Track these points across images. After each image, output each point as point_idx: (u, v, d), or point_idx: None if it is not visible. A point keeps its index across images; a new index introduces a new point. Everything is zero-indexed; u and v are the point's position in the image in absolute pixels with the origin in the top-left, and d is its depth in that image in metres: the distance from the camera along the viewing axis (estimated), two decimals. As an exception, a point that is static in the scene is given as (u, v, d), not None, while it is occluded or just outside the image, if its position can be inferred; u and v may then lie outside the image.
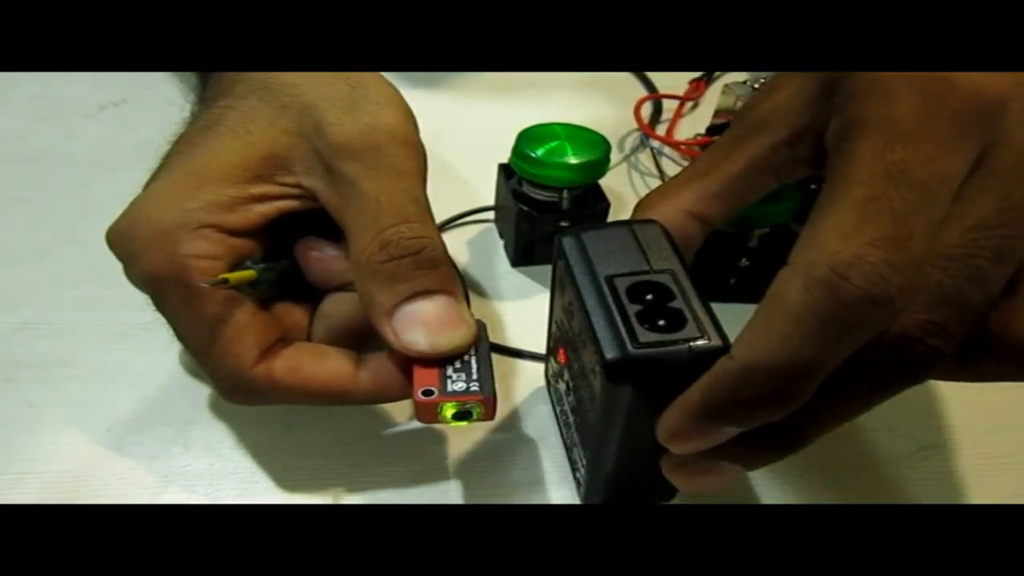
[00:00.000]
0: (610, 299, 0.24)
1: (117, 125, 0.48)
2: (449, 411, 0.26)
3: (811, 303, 0.20)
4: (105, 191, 0.41)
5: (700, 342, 0.23)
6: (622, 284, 0.25)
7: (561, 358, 0.30)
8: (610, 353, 0.23)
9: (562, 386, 0.31)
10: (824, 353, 0.20)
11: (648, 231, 0.26)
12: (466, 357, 0.27)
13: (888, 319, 0.20)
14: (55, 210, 0.42)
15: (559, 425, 0.33)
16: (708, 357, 0.22)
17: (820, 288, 0.20)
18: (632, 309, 0.24)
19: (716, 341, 0.23)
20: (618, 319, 0.24)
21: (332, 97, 0.27)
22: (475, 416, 0.26)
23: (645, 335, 0.23)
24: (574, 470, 0.31)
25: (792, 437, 0.23)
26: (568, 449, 0.32)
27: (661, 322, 0.23)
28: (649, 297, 0.24)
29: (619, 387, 0.23)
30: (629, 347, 0.23)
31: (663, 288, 0.24)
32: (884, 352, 0.21)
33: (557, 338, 0.31)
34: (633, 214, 0.29)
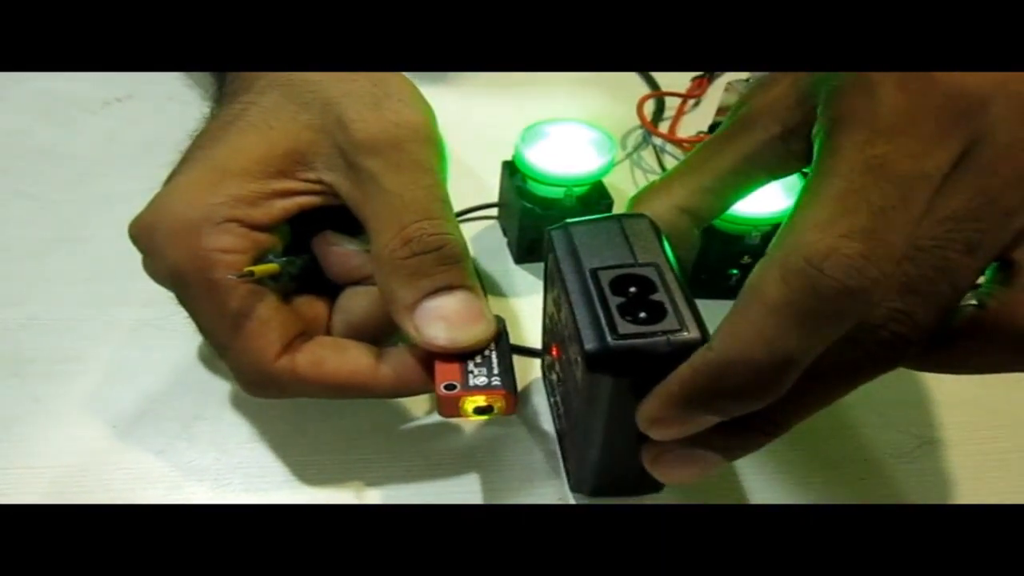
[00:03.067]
0: (593, 291, 0.25)
1: (122, 121, 0.48)
2: (471, 405, 0.26)
3: (787, 295, 0.20)
4: (110, 187, 0.42)
5: (679, 334, 0.23)
6: (606, 276, 0.25)
7: (553, 351, 0.30)
8: (589, 343, 0.23)
9: (554, 377, 0.31)
10: (801, 345, 0.20)
11: (637, 225, 0.27)
12: (486, 352, 0.27)
13: (864, 311, 0.21)
14: (60, 206, 0.42)
15: (553, 416, 0.33)
16: (686, 349, 0.23)
17: (796, 279, 0.20)
18: (614, 301, 0.24)
19: (695, 334, 0.23)
20: (599, 310, 0.24)
21: (355, 94, 0.27)
22: (496, 410, 0.26)
23: (625, 326, 0.23)
24: (564, 460, 0.31)
25: (769, 425, 0.24)
26: (560, 439, 0.32)
27: (642, 314, 0.24)
28: (632, 290, 0.25)
29: (599, 377, 0.24)
30: (608, 338, 0.23)
31: (646, 281, 0.25)
32: (852, 339, 0.21)
33: (549, 331, 0.31)
34: (626, 209, 0.29)
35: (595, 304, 0.24)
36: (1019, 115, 0.21)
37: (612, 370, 0.24)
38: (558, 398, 0.31)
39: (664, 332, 0.23)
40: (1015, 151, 0.21)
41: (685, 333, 0.23)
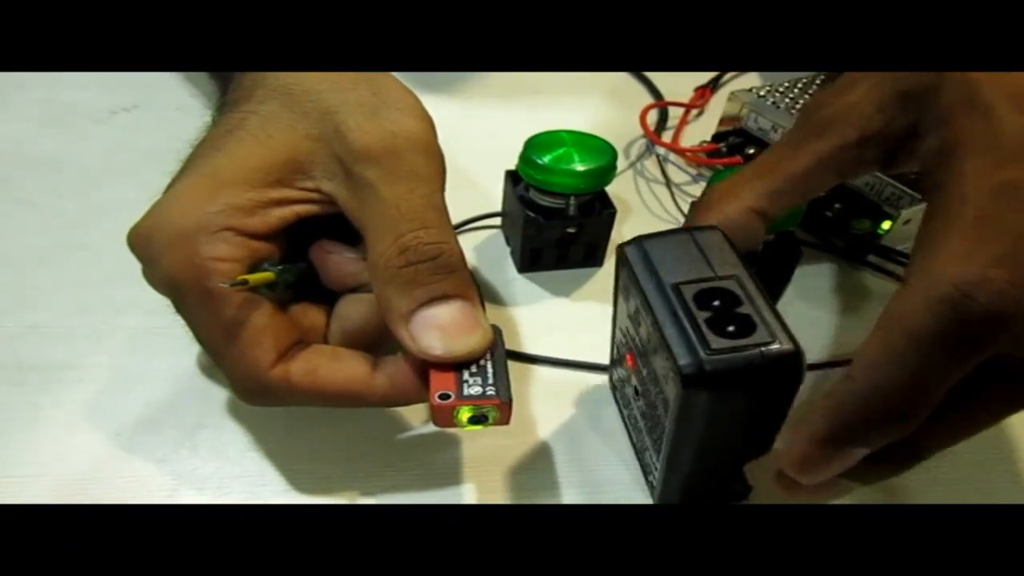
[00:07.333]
0: (678, 306, 0.25)
1: (127, 130, 0.48)
2: (465, 415, 0.26)
3: (932, 322, 0.21)
4: (114, 196, 0.42)
5: (772, 347, 0.23)
6: (689, 291, 0.25)
7: (629, 363, 0.30)
8: (683, 360, 0.24)
9: (630, 391, 0.31)
10: (945, 371, 0.21)
11: (709, 237, 0.27)
12: (482, 362, 0.27)
13: (1007, 336, 0.21)
14: (64, 214, 0.42)
15: (628, 429, 0.33)
16: (780, 361, 0.23)
17: (943, 307, 0.20)
18: (701, 316, 0.24)
19: (787, 345, 0.23)
20: (688, 326, 0.24)
21: (353, 103, 0.27)
22: (491, 420, 0.26)
23: (717, 341, 0.23)
24: (646, 473, 0.31)
25: (909, 454, 0.24)
26: (639, 452, 0.32)
27: (731, 328, 0.24)
28: (716, 303, 0.25)
29: (695, 393, 0.24)
30: (702, 354, 0.23)
31: (730, 294, 0.25)
32: (1007, 370, 0.22)
33: (623, 344, 0.31)
34: (693, 210, 0.29)
35: (682, 320, 0.24)
36: None
37: (708, 386, 0.24)
38: (635, 411, 0.31)
39: (757, 345, 0.23)
40: None
41: (778, 345, 0.23)
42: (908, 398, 0.21)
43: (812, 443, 0.23)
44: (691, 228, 0.27)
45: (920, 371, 0.21)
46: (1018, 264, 0.20)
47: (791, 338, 0.23)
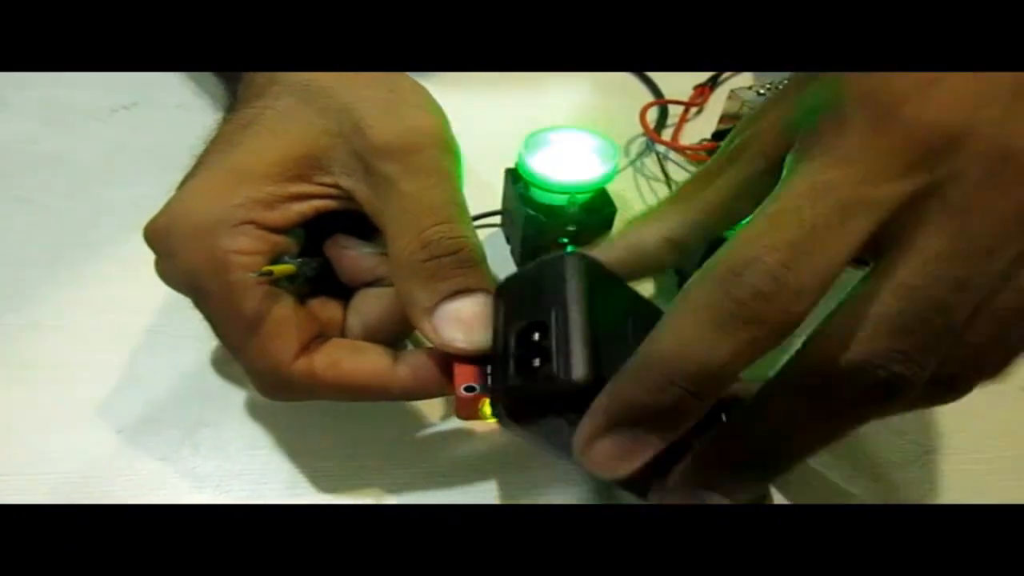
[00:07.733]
0: (509, 342, 0.25)
1: (128, 128, 0.48)
2: (490, 408, 0.26)
3: (706, 297, 0.21)
4: (115, 194, 0.42)
5: (560, 378, 0.23)
6: (516, 327, 0.25)
7: None
8: (493, 395, 0.25)
9: None
10: (718, 347, 0.21)
11: (551, 268, 0.26)
12: None
13: (785, 321, 0.21)
14: (65, 213, 0.42)
15: None
16: (568, 390, 0.23)
17: (713, 283, 0.21)
18: (515, 352, 0.25)
19: (577, 374, 0.23)
20: (506, 363, 0.25)
21: (370, 99, 0.28)
22: None
23: (514, 378, 0.24)
24: None
25: (769, 465, 0.24)
26: None
27: (536, 361, 0.24)
28: (533, 337, 0.25)
29: (512, 424, 0.24)
30: (501, 389, 0.24)
31: (543, 326, 0.25)
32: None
33: None
34: (621, 233, 0.29)
35: (506, 357, 0.25)
36: (990, 154, 0.21)
37: (511, 420, 0.24)
38: None
39: (547, 377, 0.23)
40: (986, 190, 0.21)
41: (567, 375, 0.23)
42: (681, 373, 0.21)
43: (592, 420, 0.23)
44: (542, 260, 0.27)
45: (692, 345, 0.21)
46: (800, 252, 0.20)
47: (589, 366, 0.23)
